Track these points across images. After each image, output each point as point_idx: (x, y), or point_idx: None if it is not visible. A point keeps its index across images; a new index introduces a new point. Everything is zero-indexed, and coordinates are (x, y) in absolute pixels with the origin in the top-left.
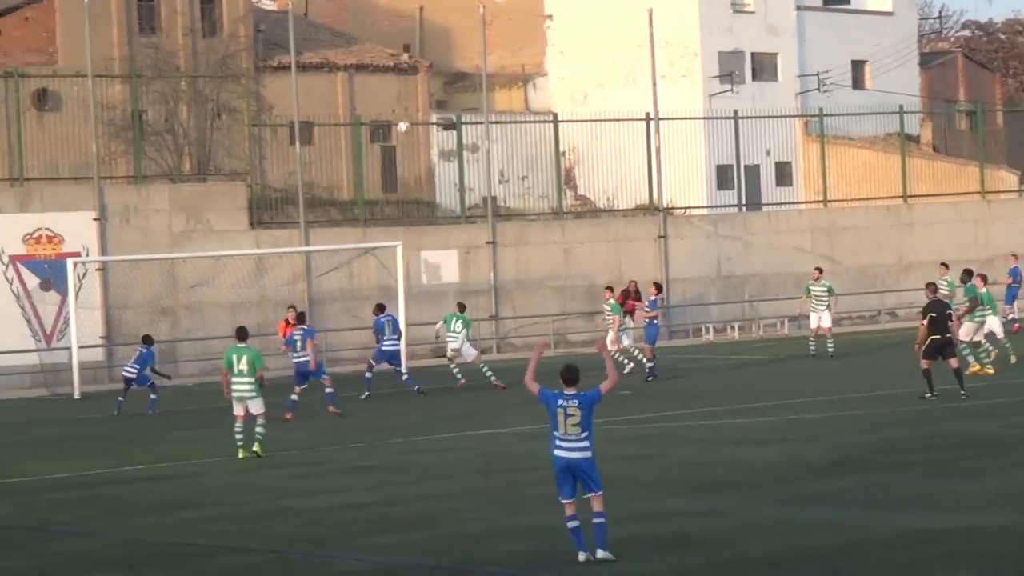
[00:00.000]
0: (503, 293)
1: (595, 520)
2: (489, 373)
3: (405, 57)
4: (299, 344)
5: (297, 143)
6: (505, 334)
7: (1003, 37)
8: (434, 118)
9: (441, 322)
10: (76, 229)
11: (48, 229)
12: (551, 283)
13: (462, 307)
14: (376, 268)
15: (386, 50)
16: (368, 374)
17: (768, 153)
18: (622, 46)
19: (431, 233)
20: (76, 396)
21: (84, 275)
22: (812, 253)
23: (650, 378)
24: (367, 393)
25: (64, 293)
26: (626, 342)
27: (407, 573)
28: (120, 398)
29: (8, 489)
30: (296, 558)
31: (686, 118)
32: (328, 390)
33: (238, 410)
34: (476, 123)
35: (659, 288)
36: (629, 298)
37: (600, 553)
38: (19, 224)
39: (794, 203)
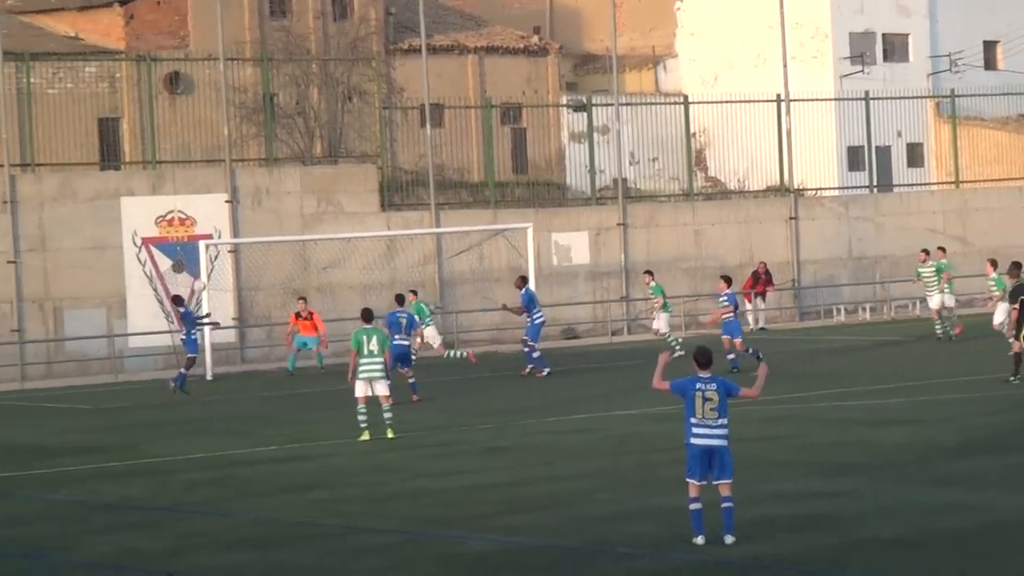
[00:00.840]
0: (634, 275)
1: (724, 504)
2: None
3: (535, 39)
4: (403, 327)
5: (428, 125)
6: (636, 316)
7: None
8: (564, 100)
9: (418, 319)
10: (208, 211)
11: (180, 211)
12: (681, 264)
13: (416, 292)
14: (507, 250)
15: (516, 32)
16: (536, 353)
17: (899, 134)
18: (752, 27)
19: (562, 215)
20: (208, 377)
21: (216, 257)
22: (944, 234)
23: (733, 369)
24: (547, 370)
25: (196, 275)
26: (664, 328)
27: (537, 554)
28: (183, 370)
29: (142, 469)
30: (426, 539)
31: (817, 99)
32: (411, 380)
33: (363, 391)
34: (606, 105)
35: (728, 281)
36: (759, 280)
37: (728, 538)
38: (152, 207)
39: (925, 184)
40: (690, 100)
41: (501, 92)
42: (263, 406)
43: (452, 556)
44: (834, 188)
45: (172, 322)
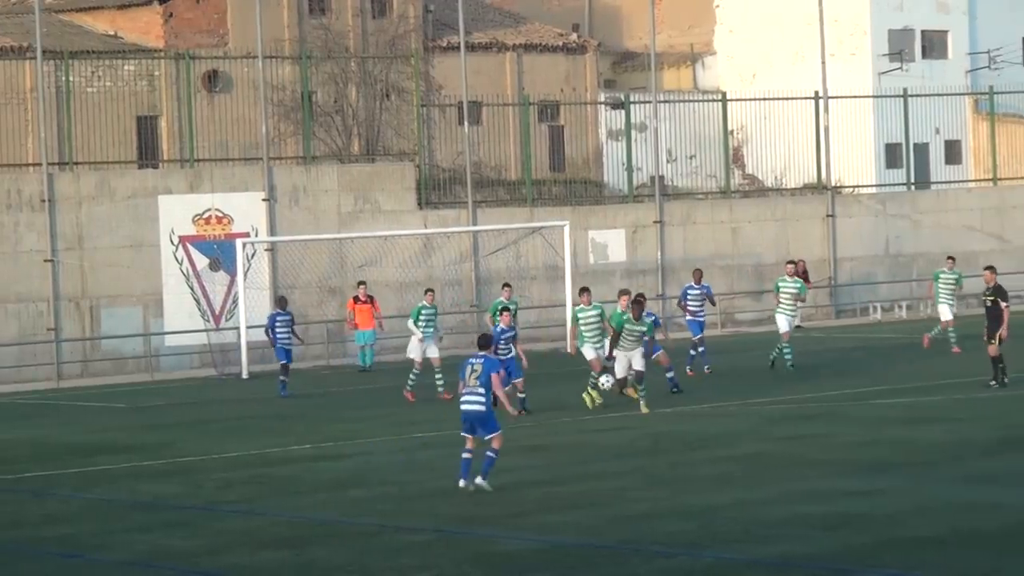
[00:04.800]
0: (670, 272)
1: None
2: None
3: (574, 37)
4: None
5: (466, 123)
6: (672, 313)
7: None
8: (602, 97)
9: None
10: (245, 210)
11: (218, 210)
12: (718, 262)
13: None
14: (543, 248)
15: (555, 30)
16: (701, 348)
17: (937, 131)
18: (791, 24)
19: (598, 212)
20: (244, 376)
21: (253, 255)
22: (981, 232)
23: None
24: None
25: (233, 273)
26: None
27: (570, 553)
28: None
29: (177, 468)
30: (460, 537)
31: (855, 96)
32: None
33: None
34: (644, 102)
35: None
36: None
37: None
38: (189, 205)
39: (963, 181)
40: (728, 97)
41: (539, 89)
42: (299, 405)
43: (486, 555)
44: (871, 185)
45: (208, 321)
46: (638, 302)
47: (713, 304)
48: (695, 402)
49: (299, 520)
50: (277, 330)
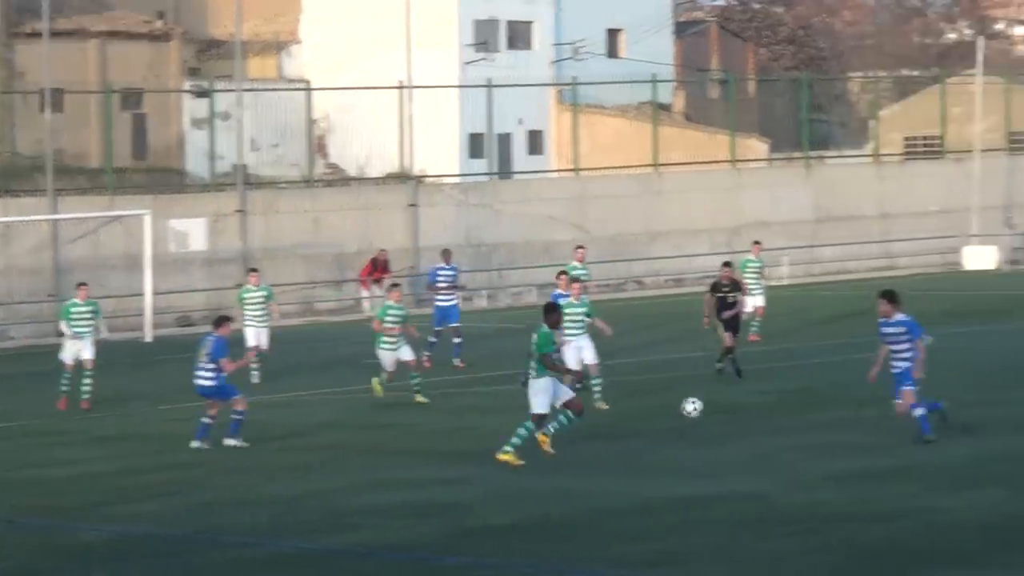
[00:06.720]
0: (252, 261)
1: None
2: None
3: (159, 24)
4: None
5: (47, 110)
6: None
7: (757, 7)
8: (187, 85)
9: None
10: None
11: None
12: (300, 252)
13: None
14: (124, 236)
15: (140, 17)
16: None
17: (521, 122)
18: (378, 13)
19: (180, 201)
20: None
21: None
22: (563, 222)
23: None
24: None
25: None
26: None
27: (142, 543)
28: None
29: None
30: (34, 528)
31: (439, 87)
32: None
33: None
34: (228, 91)
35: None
36: (377, 268)
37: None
38: None
39: (545, 172)
40: (312, 86)
41: (123, 77)
42: None
43: (60, 546)
44: (455, 175)
45: None
46: (553, 308)
47: (459, 288)
48: (274, 391)
49: None
50: None
